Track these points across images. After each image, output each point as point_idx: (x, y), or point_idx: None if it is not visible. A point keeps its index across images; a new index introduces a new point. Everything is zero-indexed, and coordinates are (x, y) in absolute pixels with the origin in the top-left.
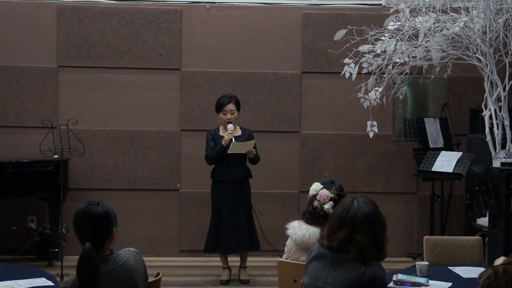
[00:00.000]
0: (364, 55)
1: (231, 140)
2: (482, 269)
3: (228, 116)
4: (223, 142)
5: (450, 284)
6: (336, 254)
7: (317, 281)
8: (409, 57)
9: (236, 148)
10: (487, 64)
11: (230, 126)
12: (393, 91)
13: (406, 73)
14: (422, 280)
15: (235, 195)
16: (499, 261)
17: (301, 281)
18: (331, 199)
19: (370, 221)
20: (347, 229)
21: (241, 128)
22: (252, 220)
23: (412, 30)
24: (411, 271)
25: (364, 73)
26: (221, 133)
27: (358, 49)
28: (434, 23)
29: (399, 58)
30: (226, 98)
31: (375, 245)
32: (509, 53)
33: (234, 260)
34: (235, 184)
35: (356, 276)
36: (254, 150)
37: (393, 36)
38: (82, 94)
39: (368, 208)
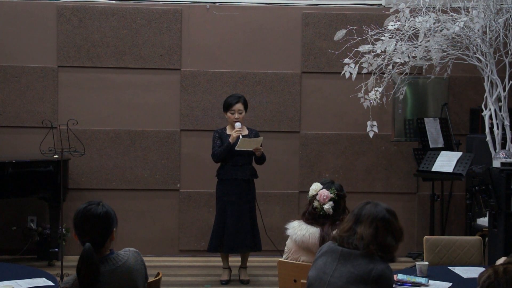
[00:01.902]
0: (364, 55)
1: (238, 137)
2: (482, 269)
3: (236, 115)
4: (230, 139)
5: (450, 284)
6: (346, 250)
7: (324, 275)
8: (409, 57)
9: (244, 145)
10: (487, 64)
11: (237, 124)
12: (393, 91)
13: (406, 73)
14: (422, 280)
15: (240, 194)
16: (500, 262)
17: (308, 274)
18: (331, 199)
19: (372, 217)
20: (351, 221)
21: (247, 128)
22: (255, 220)
23: (412, 30)
24: (411, 271)
25: (364, 73)
26: (228, 132)
27: (358, 49)
28: (434, 23)
29: (399, 58)
30: (234, 98)
31: (376, 241)
32: (509, 53)
33: (234, 260)
34: (240, 183)
35: (363, 272)
36: (261, 147)
37: (393, 36)
38: (82, 94)
39: (377, 209)
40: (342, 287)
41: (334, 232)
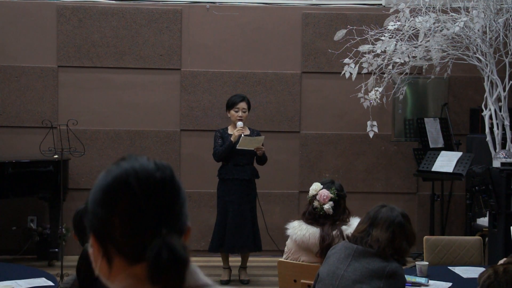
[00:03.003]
0: (364, 55)
1: (240, 136)
2: (482, 269)
3: (240, 113)
4: (232, 138)
5: (450, 284)
6: (361, 248)
7: (337, 269)
8: (409, 57)
9: (245, 143)
10: (487, 64)
11: (239, 123)
12: (393, 91)
13: (406, 73)
14: (422, 280)
15: (241, 194)
16: (501, 262)
17: (318, 271)
18: (331, 199)
19: (389, 222)
20: (367, 223)
21: (249, 129)
22: (256, 221)
23: (412, 30)
24: (411, 271)
25: (364, 73)
26: (229, 131)
27: (358, 49)
28: (434, 23)
29: (399, 58)
30: (239, 97)
31: (392, 245)
32: (509, 53)
33: (234, 260)
34: (242, 183)
35: (377, 268)
36: (263, 147)
37: (393, 36)
38: (82, 94)
39: (393, 213)
40: (356, 280)
41: (334, 232)
